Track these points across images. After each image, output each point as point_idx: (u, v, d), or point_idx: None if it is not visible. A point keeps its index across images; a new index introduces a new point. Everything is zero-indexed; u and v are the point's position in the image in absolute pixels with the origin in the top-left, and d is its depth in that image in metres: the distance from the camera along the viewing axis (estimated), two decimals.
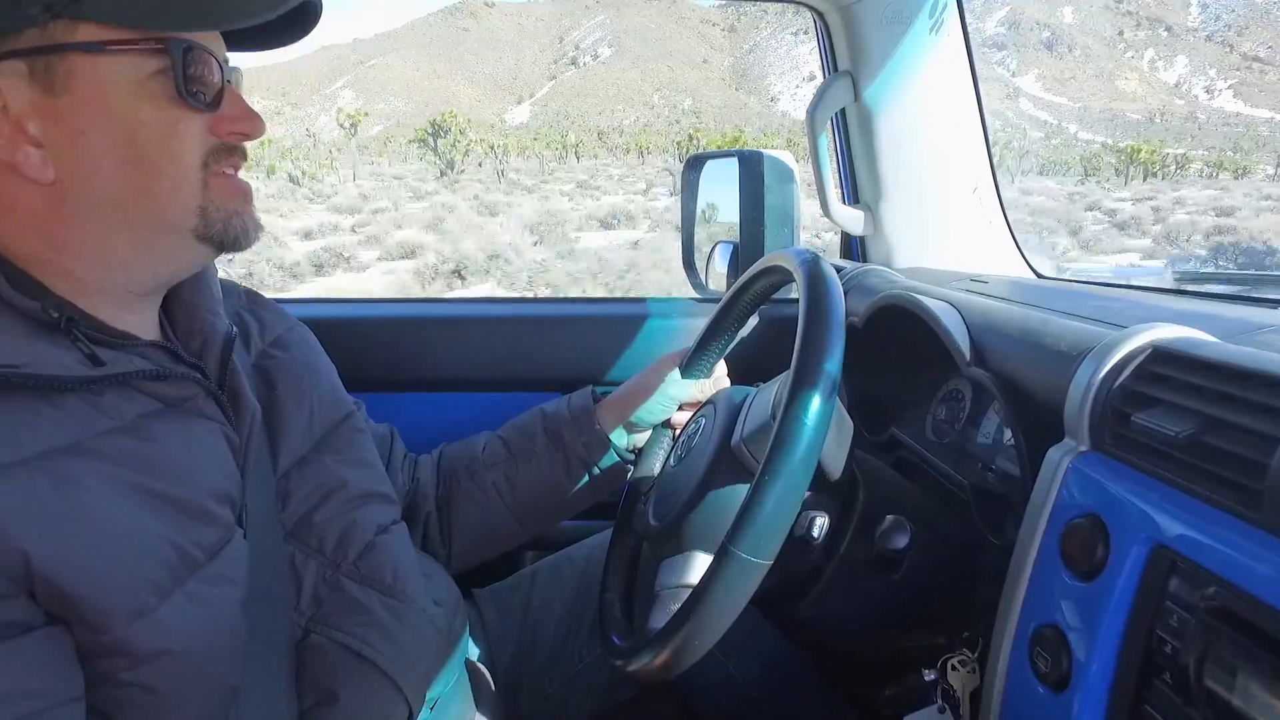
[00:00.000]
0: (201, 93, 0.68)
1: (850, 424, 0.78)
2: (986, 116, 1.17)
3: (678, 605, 0.65)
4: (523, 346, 1.37)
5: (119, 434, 0.64)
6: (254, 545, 0.73)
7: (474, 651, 1.05)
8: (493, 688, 1.05)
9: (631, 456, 1.06)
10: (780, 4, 1.22)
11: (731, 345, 0.99)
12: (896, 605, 0.78)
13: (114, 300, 0.70)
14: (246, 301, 0.94)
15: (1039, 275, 1.18)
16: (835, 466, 0.74)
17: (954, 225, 1.19)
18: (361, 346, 1.33)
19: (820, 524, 0.73)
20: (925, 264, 1.21)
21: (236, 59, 0.76)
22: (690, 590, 0.65)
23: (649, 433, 1.04)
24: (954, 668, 0.72)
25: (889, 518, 0.72)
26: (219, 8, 0.67)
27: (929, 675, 0.73)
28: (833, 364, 0.63)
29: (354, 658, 0.78)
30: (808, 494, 0.62)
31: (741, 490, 0.64)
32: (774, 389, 0.79)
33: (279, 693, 0.74)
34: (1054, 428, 0.64)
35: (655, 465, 1.00)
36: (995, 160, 1.19)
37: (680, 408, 1.03)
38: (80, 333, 0.65)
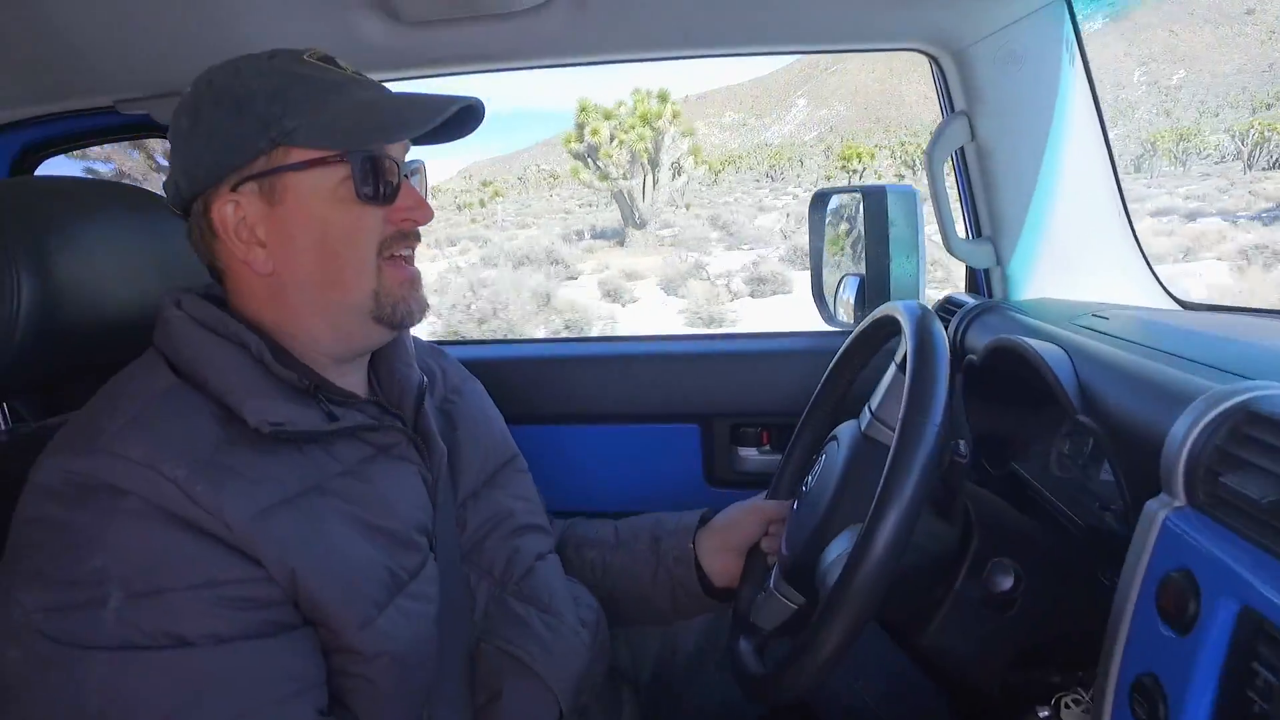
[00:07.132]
0: (378, 191, 0.80)
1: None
2: (1111, 140, 1.15)
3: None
4: (662, 381, 1.46)
5: (346, 476, 0.80)
6: (442, 567, 0.87)
7: (619, 661, 1.17)
8: (635, 696, 1.16)
9: (720, 586, 1.06)
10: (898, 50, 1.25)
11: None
12: (1010, 642, 0.80)
13: (330, 364, 0.86)
14: (430, 352, 1.10)
15: (1182, 304, 1.14)
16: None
17: (1082, 254, 1.17)
18: (515, 384, 1.46)
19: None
20: (1052, 294, 1.20)
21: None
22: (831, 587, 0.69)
23: (743, 560, 1.06)
24: (1067, 705, 0.74)
25: (992, 561, 0.75)
26: (386, 128, 0.80)
27: (1043, 712, 0.76)
28: (937, 411, 0.69)
29: (516, 663, 0.90)
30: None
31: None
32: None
33: (459, 691, 0.87)
34: (1156, 479, 0.66)
35: (750, 591, 1.03)
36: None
37: (769, 531, 1.05)
38: (322, 396, 0.81)
